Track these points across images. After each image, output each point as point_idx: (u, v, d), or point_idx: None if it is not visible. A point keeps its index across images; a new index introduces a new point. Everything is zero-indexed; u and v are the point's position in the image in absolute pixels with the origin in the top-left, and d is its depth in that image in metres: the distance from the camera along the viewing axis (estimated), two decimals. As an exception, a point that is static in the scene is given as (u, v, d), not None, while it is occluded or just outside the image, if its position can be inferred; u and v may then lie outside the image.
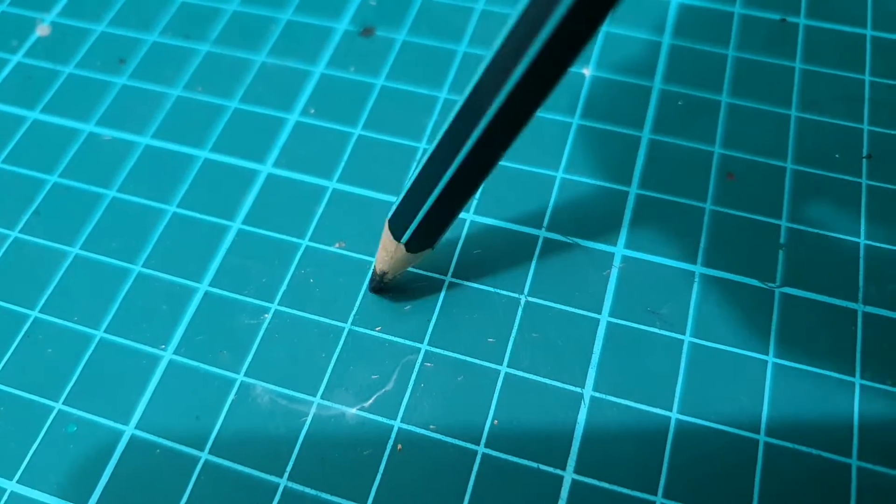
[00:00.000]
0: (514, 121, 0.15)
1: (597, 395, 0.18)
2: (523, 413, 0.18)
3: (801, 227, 0.21)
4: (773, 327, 0.19)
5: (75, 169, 0.23)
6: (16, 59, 0.26)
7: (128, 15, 0.26)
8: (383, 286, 0.20)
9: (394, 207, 0.18)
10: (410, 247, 0.18)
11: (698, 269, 0.20)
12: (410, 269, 0.20)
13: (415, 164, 0.17)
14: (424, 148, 0.23)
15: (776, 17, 0.25)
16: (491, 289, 0.20)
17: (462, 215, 0.21)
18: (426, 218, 0.17)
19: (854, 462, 0.17)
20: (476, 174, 0.16)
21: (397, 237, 0.18)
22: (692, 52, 0.24)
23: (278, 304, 0.20)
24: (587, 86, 0.24)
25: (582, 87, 0.24)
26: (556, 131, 0.23)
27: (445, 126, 0.16)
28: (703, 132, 0.23)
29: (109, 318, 0.20)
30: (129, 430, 0.18)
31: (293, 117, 0.24)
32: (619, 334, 0.19)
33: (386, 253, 0.18)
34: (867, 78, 0.24)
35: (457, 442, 0.18)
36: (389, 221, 0.18)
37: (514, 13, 0.13)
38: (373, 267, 0.19)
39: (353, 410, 0.18)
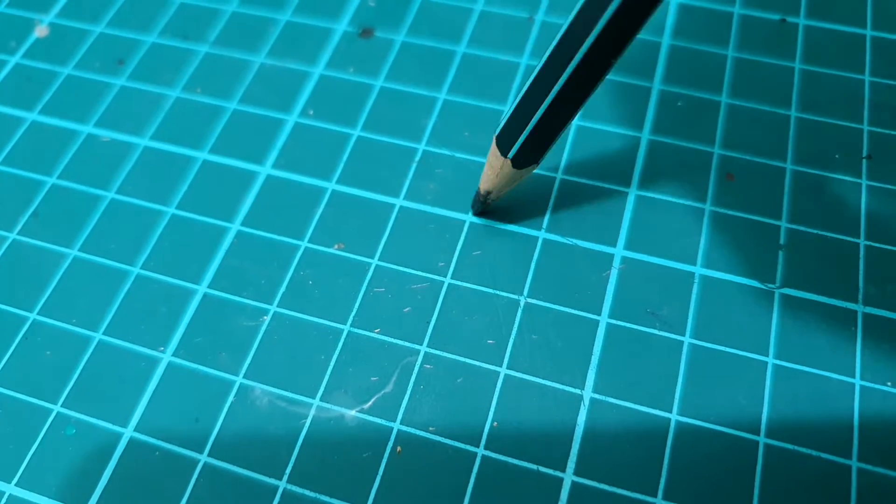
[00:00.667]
0: (626, 30, 0.15)
1: (596, 396, 0.18)
2: (523, 415, 0.18)
3: (801, 228, 0.21)
4: (773, 328, 0.19)
5: (74, 170, 0.23)
6: (14, 60, 0.25)
7: (126, 16, 0.26)
8: (486, 208, 0.20)
9: (501, 123, 0.18)
10: (517, 162, 0.18)
11: (698, 270, 0.20)
12: (406, 269, 0.20)
13: (522, 79, 0.18)
14: (424, 149, 0.23)
15: (776, 17, 0.25)
16: (490, 290, 0.20)
17: (461, 216, 0.21)
18: (534, 131, 0.17)
19: (854, 463, 0.17)
20: (585, 85, 0.16)
21: (504, 153, 0.18)
22: (692, 53, 0.24)
23: (277, 306, 0.20)
24: (586, 86, 0.24)
25: (581, 87, 0.24)
26: (555, 132, 0.23)
27: (556, 39, 0.16)
28: (703, 133, 0.23)
29: (108, 320, 0.20)
30: (128, 433, 0.18)
31: (292, 118, 0.24)
32: (618, 336, 0.19)
33: (492, 170, 0.19)
34: (867, 78, 0.24)
35: (456, 444, 0.18)
36: (497, 137, 0.18)
37: None
38: (476, 189, 0.20)
39: (353, 412, 0.18)
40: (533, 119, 0.17)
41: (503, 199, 0.21)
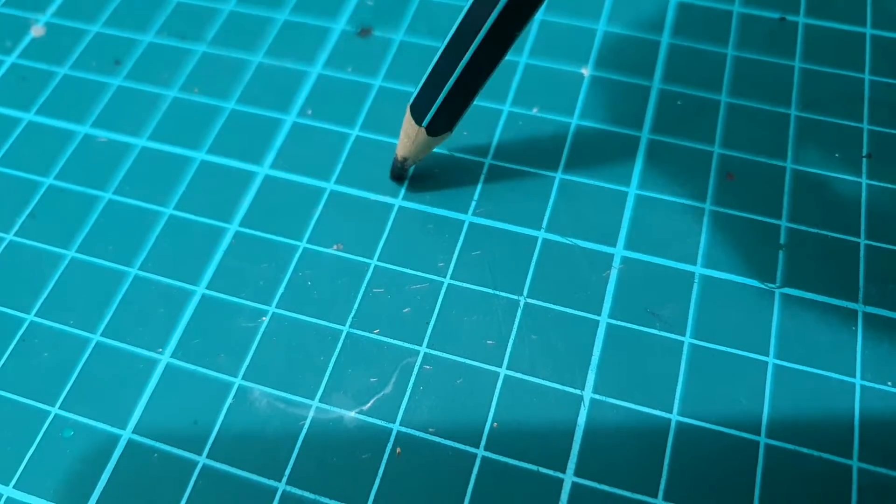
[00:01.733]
0: (526, 6, 0.17)
1: (597, 396, 0.18)
2: (523, 415, 0.18)
3: (801, 227, 0.21)
4: (774, 328, 0.19)
5: (71, 171, 0.23)
6: (10, 60, 0.25)
7: (123, 15, 0.26)
8: (403, 173, 0.21)
9: (415, 93, 0.19)
10: (431, 130, 0.19)
11: (698, 269, 0.20)
12: (405, 270, 0.20)
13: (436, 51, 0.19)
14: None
15: (775, 15, 0.25)
16: (490, 290, 0.20)
17: (461, 216, 0.21)
18: (446, 101, 0.19)
19: (855, 463, 0.17)
20: (492, 57, 0.18)
21: (419, 121, 0.19)
22: (691, 52, 0.24)
23: (276, 307, 0.20)
24: (586, 86, 0.24)
25: (581, 87, 0.24)
26: (554, 131, 0.23)
27: (464, 10, 0.17)
28: (703, 132, 0.23)
29: (106, 321, 0.20)
30: (127, 435, 0.18)
31: (290, 118, 0.23)
32: (618, 336, 0.19)
33: (408, 138, 0.20)
34: (867, 77, 0.24)
35: (456, 445, 0.18)
36: (411, 107, 0.19)
37: None
38: (394, 155, 0.21)
39: (352, 414, 0.18)
40: (445, 88, 0.18)
41: (499, 199, 0.21)
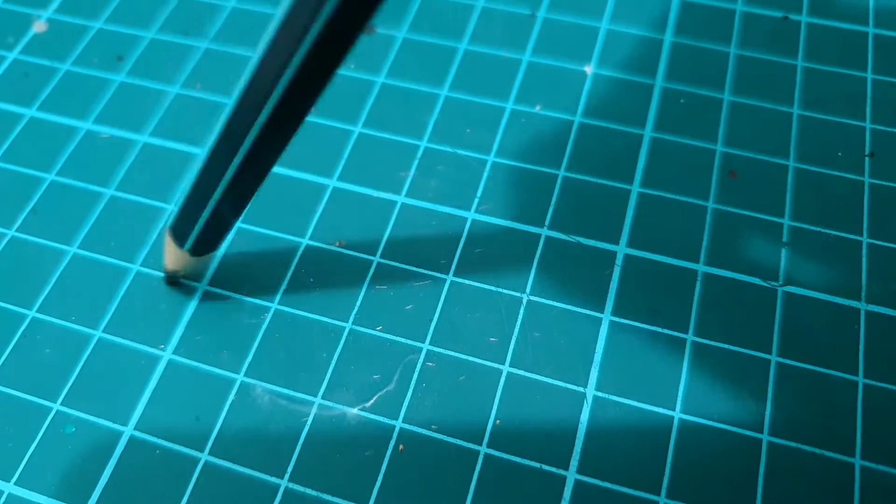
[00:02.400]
0: (282, 128, 0.15)
1: (599, 394, 0.18)
2: (526, 413, 0.18)
3: (804, 226, 0.21)
4: (776, 326, 0.19)
5: (73, 167, 0.22)
6: (12, 55, 0.25)
7: (125, 11, 0.26)
8: (177, 280, 0.20)
9: (174, 216, 0.18)
10: (194, 252, 0.18)
11: (701, 267, 0.20)
12: (408, 267, 0.20)
13: (192, 173, 0.18)
14: (425, 146, 0.23)
15: (778, 14, 0.25)
16: (493, 288, 0.20)
17: (463, 213, 0.21)
18: (205, 227, 0.17)
19: (857, 461, 0.17)
20: (248, 182, 0.16)
21: (180, 244, 0.18)
22: (694, 50, 0.24)
23: (278, 304, 0.20)
24: (589, 83, 0.24)
25: (584, 84, 0.24)
26: (557, 129, 0.23)
27: (216, 135, 0.15)
28: (705, 130, 0.23)
29: (108, 317, 0.20)
30: (128, 431, 0.18)
31: (293, 115, 0.23)
32: (621, 333, 0.19)
33: (170, 257, 0.19)
34: (869, 76, 0.24)
35: (459, 442, 0.18)
36: (171, 229, 0.18)
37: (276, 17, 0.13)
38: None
39: (355, 410, 0.18)
40: (203, 214, 0.17)
41: (502, 197, 0.21)
